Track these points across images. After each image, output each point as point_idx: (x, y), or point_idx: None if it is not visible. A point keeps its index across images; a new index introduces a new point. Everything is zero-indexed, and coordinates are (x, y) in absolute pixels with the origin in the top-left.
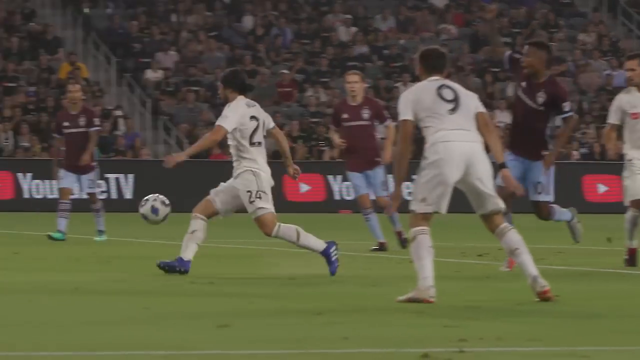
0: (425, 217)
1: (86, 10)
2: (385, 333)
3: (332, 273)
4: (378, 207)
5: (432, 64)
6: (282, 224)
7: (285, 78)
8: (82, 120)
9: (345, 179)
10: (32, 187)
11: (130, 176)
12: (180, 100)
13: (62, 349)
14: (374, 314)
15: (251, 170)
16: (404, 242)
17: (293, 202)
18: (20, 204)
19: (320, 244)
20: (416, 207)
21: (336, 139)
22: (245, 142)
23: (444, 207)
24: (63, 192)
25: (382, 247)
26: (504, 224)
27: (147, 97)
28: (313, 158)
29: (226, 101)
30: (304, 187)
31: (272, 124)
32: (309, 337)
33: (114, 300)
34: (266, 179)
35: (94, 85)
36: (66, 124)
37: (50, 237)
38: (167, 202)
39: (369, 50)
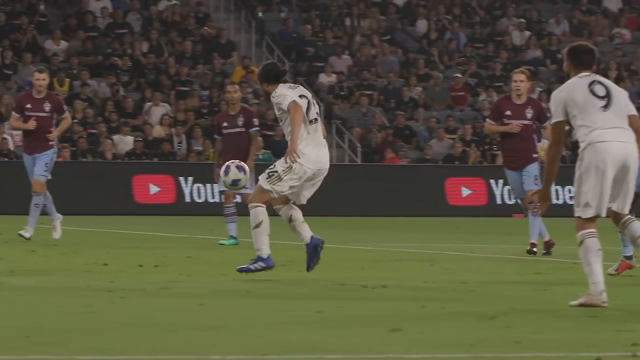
0: (591, 219)
1: (260, 13)
2: (557, 337)
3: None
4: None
5: (581, 59)
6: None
7: (458, 82)
8: (240, 121)
9: (507, 183)
10: (194, 190)
11: None
12: (354, 104)
13: (234, 352)
14: (546, 318)
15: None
16: (548, 249)
17: (454, 206)
18: (182, 208)
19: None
20: (580, 212)
21: (503, 126)
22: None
23: (604, 210)
24: (226, 195)
25: (546, 248)
26: (628, 216)
27: (320, 101)
28: (486, 162)
29: (268, 96)
30: (466, 191)
31: None
32: (482, 341)
33: (286, 304)
34: (303, 171)
35: None
36: (225, 124)
37: (222, 245)
38: (245, 169)
39: (542, 55)
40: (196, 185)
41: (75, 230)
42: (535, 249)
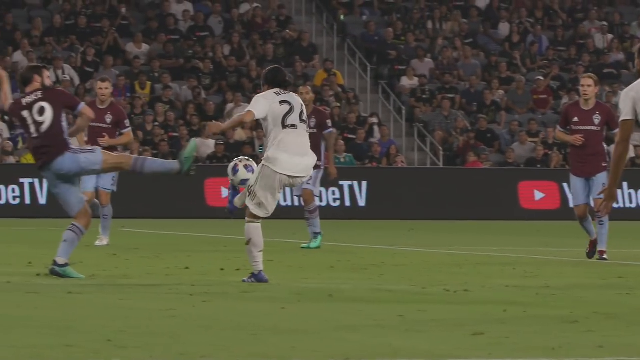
0: None
1: (342, 16)
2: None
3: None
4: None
5: None
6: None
7: (540, 85)
8: (312, 122)
9: None
10: None
11: (364, 183)
12: (436, 108)
13: (315, 356)
14: (629, 322)
15: (265, 166)
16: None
17: (527, 209)
18: None
19: None
20: None
21: (569, 137)
22: (277, 127)
23: None
24: (305, 198)
25: (591, 247)
26: None
27: (402, 104)
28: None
29: None
30: (538, 195)
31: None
32: (564, 345)
33: (368, 307)
34: (274, 176)
35: (349, 92)
36: None
37: (304, 248)
38: (253, 168)
39: (624, 58)
40: None
41: (153, 233)
42: (605, 256)
